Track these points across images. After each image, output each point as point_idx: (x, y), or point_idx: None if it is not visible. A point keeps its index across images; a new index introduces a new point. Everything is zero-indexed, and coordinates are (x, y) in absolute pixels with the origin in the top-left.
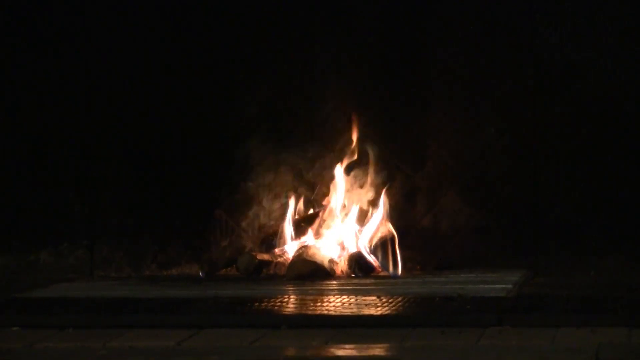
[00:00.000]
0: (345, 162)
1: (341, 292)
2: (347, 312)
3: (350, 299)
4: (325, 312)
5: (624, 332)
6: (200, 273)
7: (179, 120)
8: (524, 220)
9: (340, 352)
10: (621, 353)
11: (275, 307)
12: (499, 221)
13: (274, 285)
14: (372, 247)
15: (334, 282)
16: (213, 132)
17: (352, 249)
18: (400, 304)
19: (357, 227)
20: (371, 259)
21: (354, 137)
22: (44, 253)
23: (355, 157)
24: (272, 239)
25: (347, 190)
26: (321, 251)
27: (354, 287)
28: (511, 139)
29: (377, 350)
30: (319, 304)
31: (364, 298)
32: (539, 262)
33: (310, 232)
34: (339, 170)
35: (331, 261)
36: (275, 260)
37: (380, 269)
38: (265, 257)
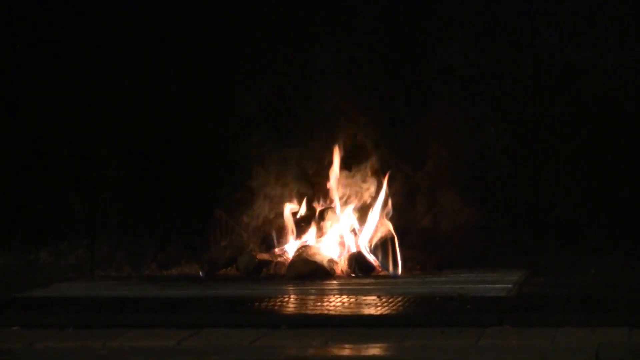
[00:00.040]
0: (346, 162)
1: (341, 291)
2: (347, 311)
3: (350, 298)
4: (325, 311)
5: (624, 331)
6: (200, 273)
7: (179, 120)
8: (524, 220)
9: (340, 352)
10: (621, 353)
11: (275, 307)
12: (499, 221)
13: (274, 285)
14: (372, 246)
15: (334, 282)
16: (213, 132)
17: (352, 249)
18: (400, 303)
19: (357, 226)
20: (371, 258)
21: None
22: (44, 252)
23: (356, 157)
24: (272, 238)
25: (347, 190)
26: (321, 251)
27: (354, 287)
28: (511, 139)
29: (377, 350)
30: (319, 303)
31: (364, 298)
32: (539, 261)
33: (310, 231)
34: (339, 170)
35: (331, 261)
36: (275, 260)
37: (380, 269)
38: (265, 256)
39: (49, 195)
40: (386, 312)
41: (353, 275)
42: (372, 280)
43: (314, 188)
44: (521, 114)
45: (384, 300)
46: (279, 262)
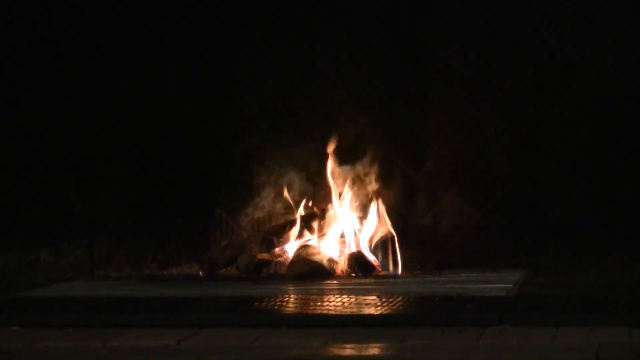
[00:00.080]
0: (346, 161)
1: (341, 291)
2: (347, 311)
3: (351, 298)
4: (326, 311)
5: (624, 331)
6: (201, 272)
7: (179, 120)
8: (524, 219)
9: (341, 352)
10: (621, 352)
11: (276, 307)
12: (499, 221)
13: (274, 285)
14: (372, 246)
15: (334, 282)
16: (213, 132)
17: (352, 248)
18: (400, 303)
19: (357, 226)
20: (371, 258)
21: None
22: (44, 252)
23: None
24: (272, 238)
25: (347, 190)
26: (321, 250)
27: (354, 287)
28: (511, 139)
29: (377, 349)
30: (319, 303)
31: (364, 297)
32: (539, 261)
33: (310, 231)
34: (339, 169)
35: (331, 260)
36: (275, 260)
37: (380, 269)
38: (265, 256)
39: (49, 195)
40: (386, 311)
41: (353, 275)
42: (372, 280)
43: (314, 188)
44: (521, 114)
45: (384, 300)
46: (279, 261)
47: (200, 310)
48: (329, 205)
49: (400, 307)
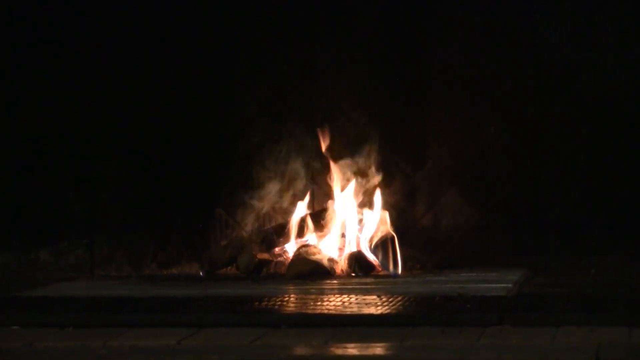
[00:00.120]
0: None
1: (341, 291)
2: (348, 311)
3: (351, 298)
4: (326, 311)
5: (624, 331)
6: (201, 272)
7: (179, 120)
8: (524, 219)
9: (341, 351)
10: (621, 352)
11: (276, 306)
12: (499, 221)
13: (274, 284)
14: (372, 246)
15: (334, 281)
16: (213, 132)
17: (353, 248)
18: (400, 303)
19: (357, 226)
20: (371, 258)
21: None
22: (44, 252)
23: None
24: (272, 237)
25: (347, 189)
26: (321, 250)
27: (354, 286)
28: (511, 139)
29: (378, 349)
30: (319, 303)
31: (364, 297)
32: (539, 261)
33: (310, 230)
34: (339, 169)
35: (331, 260)
36: (275, 259)
37: (380, 268)
38: (265, 256)
39: (49, 195)
40: (386, 311)
41: (353, 274)
42: (372, 280)
43: (314, 187)
44: (521, 114)
45: (384, 299)
46: (279, 261)
47: (201, 310)
48: (329, 205)
49: (401, 307)
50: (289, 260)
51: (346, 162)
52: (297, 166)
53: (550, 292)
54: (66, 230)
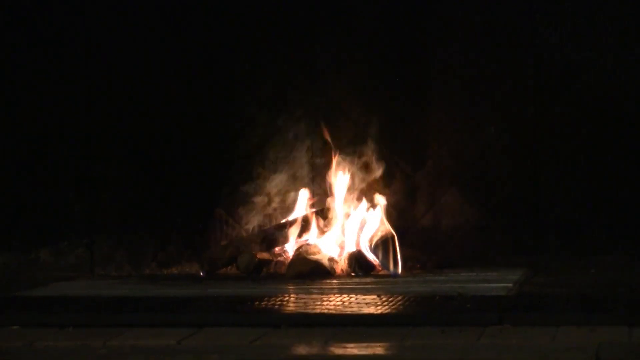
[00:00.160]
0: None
1: (341, 290)
2: (348, 311)
3: (351, 297)
4: (326, 311)
5: (624, 331)
6: (201, 272)
7: (179, 120)
8: (524, 219)
9: (341, 351)
10: (621, 352)
11: (276, 306)
12: (499, 220)
13: (274, 284)
14: (372, 245)
15: (334, 281)
16: (213, 132)
17: (352, 248)
18: (400, 302)
19: (357, 225)
20: (371, 257)
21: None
22: (44, 252)
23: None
24: (272, 237)
25: (348, 189)
26: (321, 250)
27: (354, 286)
28: (511, 139)
29: (378, 349)
30: (319, 302)
31: (364, 297)
32: (539, 261)
33: (310, 230)
34: (339, 169)
35: (331, 260)
36: (275, 259)
37: (380, 268)
38: (265, 255)
39: (49, 195)
40: (386, 311)
41: (353, 274)
42: (372, 279)
43: (314, 187)
44: (521, 114)
45: (384, 299)
46: (279, 261)
47: (201, 309)
48: (329, 205)
49: (401, 307)
50: (289, 260)
51: (346, 161)
52: (297, 166)
53: (550, 292)
54: (66, 230)
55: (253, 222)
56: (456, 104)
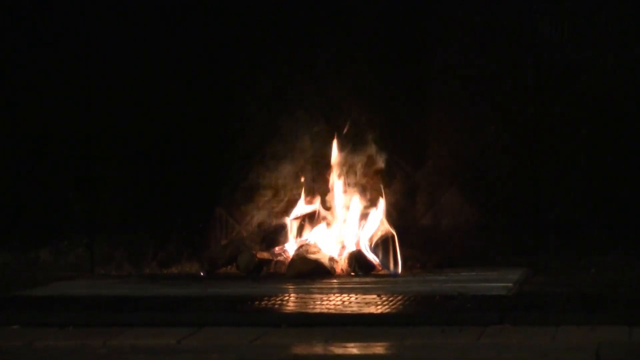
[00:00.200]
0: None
1: (341, 290)
2: (348, 310)
3: (351, 297)
4: (326, 310)
5: (625, 330)
6: (201, 271)
7: (179, 120)
8: (524, 219)
9: (341, 351)
10: (621, 351)
11: (276, 306)
12: (499, 220)
13: (274, 284)
14: (372, 245)
15: (334, 281)
16: (213, 132)
17: (353, 247)
18: (400, 302)
19: (357, 225)
20: (371, 257)
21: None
22: (44, 251)
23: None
24: (272, 237)
25: (348, 189)
26: (321, 249)
27: (354, 286)
28: (511, 139)
29: (378, 348)
30: (319, 302)
31: (364, 296)
32: (539, 261)
33: (310, 230)
34: (339, 168)
35: (331, 259)
36: (275, 259)
37: (380, 268)
38: (266, 255)
39: (49, 194)
40: (386, 310)
41: (353, 273)
42: (372, 279)
43: (314, 187)
44: (521, 114)
45: (384, 298)
46: (279, 260)
47: (201, 309)
48: (330, 204)
49: (401, 306)
50: (289, 259)
51: (346, 161)
52: (297, 166)
53: (550, 292)
54: (66, 230)
55: (253, 221)
56: (456, 104)
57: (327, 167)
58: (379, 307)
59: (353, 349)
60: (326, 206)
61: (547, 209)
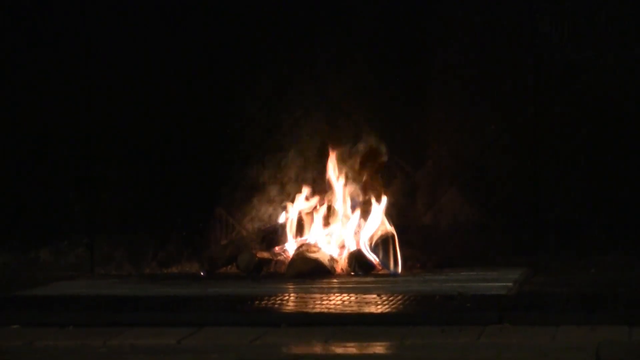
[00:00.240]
0: (345, 160)
1: (341, 290)
2: (348, 310)
3: (351, 297)
4: (326, 310)
5: (624, 330)
6: (201, 271)
7: (179, 120)
8: (524, 218)
9: (341, 350)
10: (621, 351)
11: (276, 305)
12: (499, 220)
13: (274, 283)
14: (372, 245)
15: (334, 280)
16: (213, 132)
17: (353, 247)
18: (400, 302)
19: (357, 225)
20: (371, 256)
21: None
22: (44, 251)
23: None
24: (272, 236)
25: (348, 188)
26: (321, 249)
27: (354, 285)
28: (511, 139)
29: (378, 348)
30: (319, 302)
31: (364, 296)
32: (539, 260)
33: (310, 230)
34: (339, 168)
35: (331, 259)
36: (275, 258)
37: (380, 267)
38: (266, 255)
39: (49, 194)
40: (386, 310)
41: (353, 273)
42: (372, 279)
43: (314, 186)
44: (521, 114)
45: (384, 298)
46: (279, 260)
47: (201, 309)
48: (330, 204)
49: (401, 306)
50: (289, 259)
51: (346, 161)
52: (297, 165)
53: (550, 291)
54: (66, 229)
55: (253, 221)
56: (456, 104)
57: (327, 167)
58: (378, 306)
59: (353, 349)
60: (326, 205)
61: (547, 209)
